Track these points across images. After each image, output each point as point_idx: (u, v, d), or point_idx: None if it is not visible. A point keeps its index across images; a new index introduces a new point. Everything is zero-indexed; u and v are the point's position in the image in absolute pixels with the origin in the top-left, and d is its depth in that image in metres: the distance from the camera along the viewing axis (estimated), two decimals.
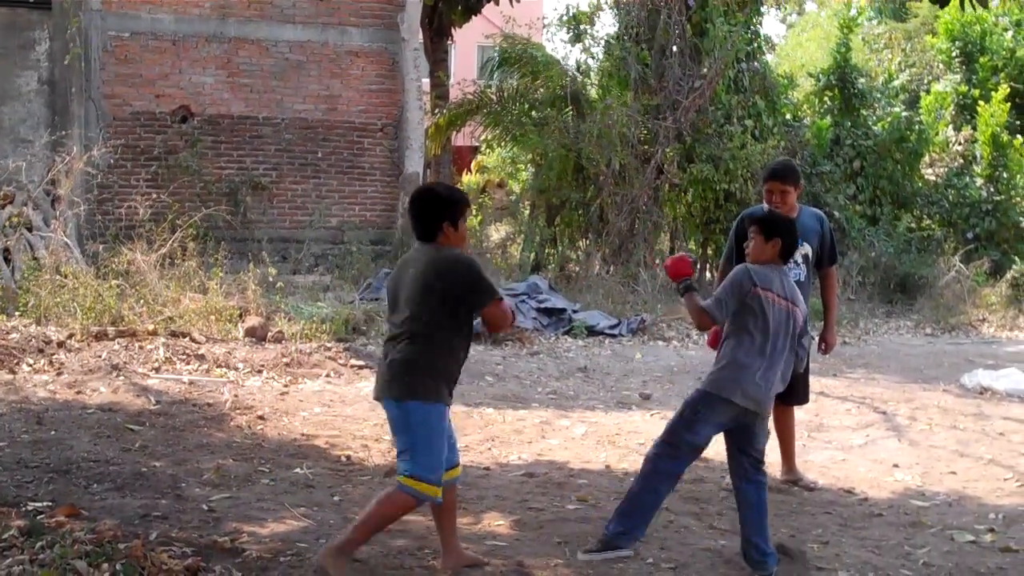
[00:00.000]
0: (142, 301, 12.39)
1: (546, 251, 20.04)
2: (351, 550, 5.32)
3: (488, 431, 9.34)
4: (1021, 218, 22.19)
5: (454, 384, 5.45)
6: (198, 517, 6.24)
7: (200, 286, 13.10)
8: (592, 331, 14.80)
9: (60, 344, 11.10)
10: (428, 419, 5.27)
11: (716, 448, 8.87)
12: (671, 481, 6.02)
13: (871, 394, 11.76)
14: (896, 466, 8.59)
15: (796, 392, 7.81)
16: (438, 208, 5.44)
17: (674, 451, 5.93)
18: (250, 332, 12.20)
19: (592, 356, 13.51)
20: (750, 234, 6.08)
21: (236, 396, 9.92)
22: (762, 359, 5.79)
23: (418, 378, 5.28)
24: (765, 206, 7.69)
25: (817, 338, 8.17)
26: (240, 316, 12.64)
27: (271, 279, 13.67)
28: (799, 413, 10.61)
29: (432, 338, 5.32)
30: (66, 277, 12.64)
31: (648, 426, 9.77)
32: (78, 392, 9.60)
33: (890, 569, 5.99)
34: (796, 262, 7.56)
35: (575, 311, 15.48)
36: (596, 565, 5.76)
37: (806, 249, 7.66)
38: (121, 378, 10.21)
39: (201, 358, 11.16)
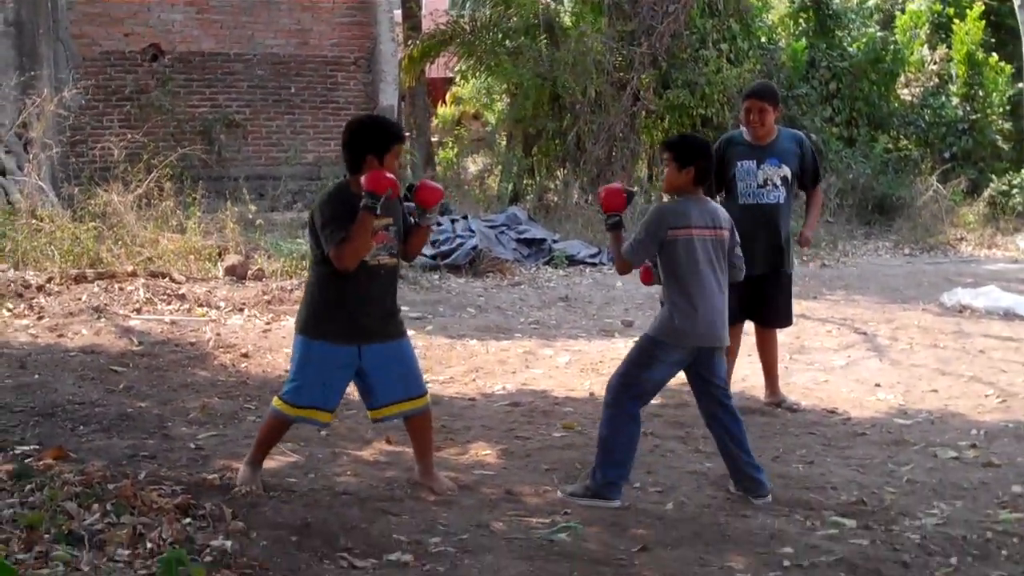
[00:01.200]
0: (120, 243, 12.31)
1: (524, 182, 20.01)
2: (255, 463, 5.68)
3: (472, 362, 9.36)
4: (997, 136, 22.23)
5: (357, 321, 5.45)
6: (186, 456, 6.24)
7: (178, 226, 13.03)
8: (572, 260, 14.82)
9: (39, 288, 11.03)
10: (302, 352, 5.53)
11: None
12: (637, 421, 5.84)
13: (851, 315, 11.82)
14: (878, 385, 8.66)
15: (778, 315, 7.85)
16: (364, 139, 5.42)
17: (634, 392, 5.78)
18: (230, 270, 12.16)
19: (573, 285, 13.53)
20: (663, 161, 5.87)
21: (218, 335, 9.90)
22: (702, 297, 5.64)
23: (301, 311, 5.60)
24: (743, 128, 7.67)
25: (798, 235, 8.02)
26: (219, 255, 12.59)
27: (249, 216, 13.59)
28: (781, 336, 10.70)
29: (315, 272, 5.57)
30: (42, 221, 12.55)
31: None
32: (60, 335, 9.56)
33: (875, 487, 6.05)
34: (775, 184, 7.55)
35: (555, 241, 15.48)
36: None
37: (785, 171, 7.60)
38: (102, 320, 10.16)
39: (182, 298, 11.12)
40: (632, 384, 5.78)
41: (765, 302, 7.73)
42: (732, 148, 7.67)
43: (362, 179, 5.22)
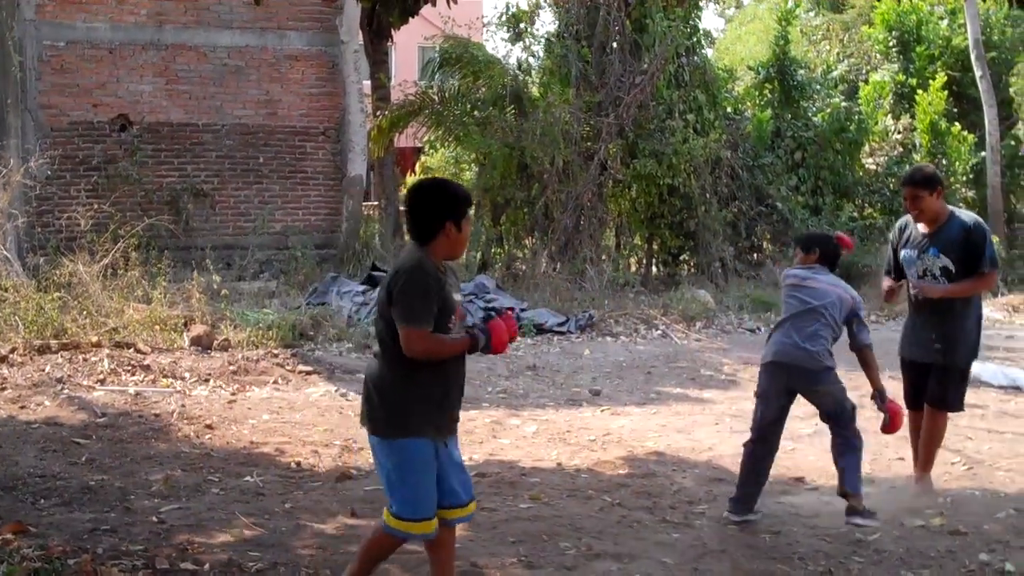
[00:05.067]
0: (85, 313, 12.23)
1: (492, 250, 20.03)
2: None
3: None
4: (961, 204, 22.42)
5: (445, 411, 4.83)
6: (148, 529, 6.17)
7: (144, 296, 12.96)
8: (541, 329, 14.81)
9: (2, 359, 10.94)
10: (402, 456, 4.72)
11: (668, 441, 8.92)
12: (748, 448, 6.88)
13: None
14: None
15: (935, 400, 7.54)
16: (442, 204, 4.79)
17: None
18: (196, 341, 12.09)
19: (541, 354, 13.51)
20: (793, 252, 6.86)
21: (183, 406, 9.82)
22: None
23: (385, 408, 4.75)
24: (909, 216, 7.47)
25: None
26: (185, 325, 12.52)
27: (215, 287, 13.55)
28: (747, 404, 10.70)
29: (395, 360, 4.71)
30: (7, 291, 12.46)
31: (599, 422, 9.80)
32: (22, 407, 9.47)
33: (842, 556, 6.03)
34: (934, 275, 7.29)
35: (523, 310, 15.47)
36: (546, 561, 5.75)
37: (944, 262, 7.25)
38: (66, 391, 10.07)
39: (147, 368, 11.04)
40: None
41: (932, 387, 7.50)
42: (903, 234, 7.56)
43: (492, 337, 4.75)
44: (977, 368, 11.18)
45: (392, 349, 4.68)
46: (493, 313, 4.94)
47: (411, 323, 4.59)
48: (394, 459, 4.72)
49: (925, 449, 7.55)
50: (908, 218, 7.53)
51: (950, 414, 7.55)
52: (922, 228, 7.33)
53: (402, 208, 23.16)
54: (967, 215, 7.47)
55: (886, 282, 7.72)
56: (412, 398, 4.70)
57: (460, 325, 4.91)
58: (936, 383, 7.39)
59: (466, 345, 4.75)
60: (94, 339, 11.66)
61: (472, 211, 5.08)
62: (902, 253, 7.46)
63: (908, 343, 7.55)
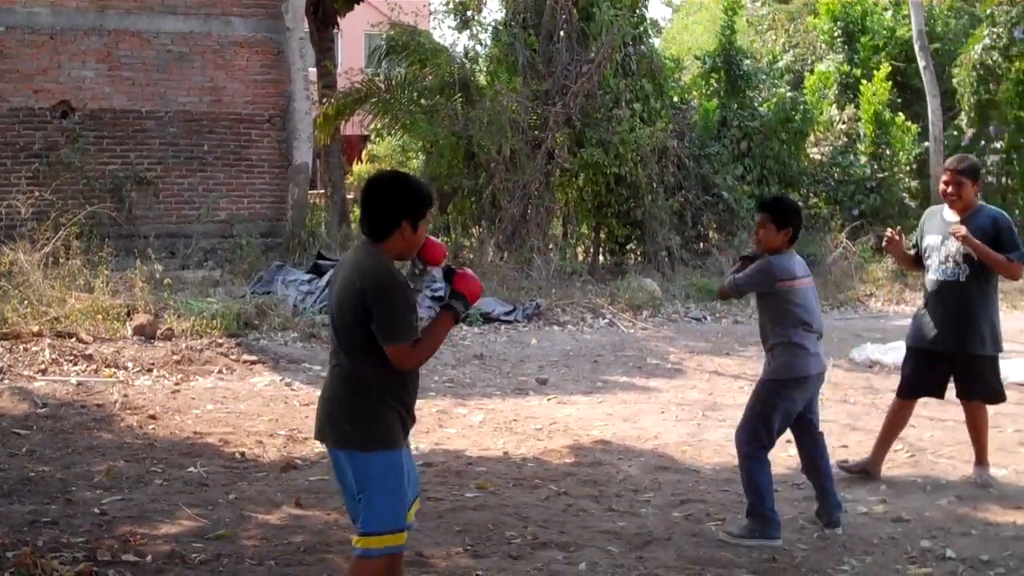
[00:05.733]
0: (26, 302, 12.06)
1: (440, 238, 19.98)
2: None
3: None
4: (904, 194, 22.72)
5: (410, 413, 4.58)
6: (90, 521, 6.10)
7: (86, 285, 12.80)
8: (487, 318, 14.79)
9: None
10: (383, 468, 4.43)
11: (614, 430, 8.95)
12: (767, 464, 6.34)
13: None
14: (789, 442, 8.67)
15: (971, 392, 7.47)
16: (401, 201, 4.51)
17: (763, 442, 6.33)
18: (139, 330, 11.95)
19: (488, 343, 13.51)
20: (758, 221, 6.43)
21: (126, 396, 9.72)
22: (810, 335, 6.31)
23: (352, 424, 4.44)
24: (935, 208, 7.53)
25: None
26: (128, 314, 12.38)
27: (159, 275, 13.41)
28: (693, 392, 10.77)
29: (361, 367, 4.44)
30: None
31: (545, 410, 9.80)
32: None
33: (786, 543, 6.07)
34: (956, 261, 7.23)
35: None
36: (491, 550, 5.74)
37: (968, 249, 7.17)
38: (6, 382, 9.94)
39: (89, 358, 10.91)
40: (759, 434, 6.29)
41: (957, 380, 7.44)
42: (930, 221, 7.58)
43: (421, 252, 4.59)
44: None
45: (365, 360, 4.40)
46: (452, 268, 4.66)
47: (400, 339, 4.35)
48: (372, 472, 4.41)
49: (975, 443, 7.49)
50: (933, 208, 7.65)
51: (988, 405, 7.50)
52: (951, 215, 7.33)
53: (351, 197, 22.96)
54: (994, 208, 7.53)
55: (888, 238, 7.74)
56: (387, 407, 4.44)
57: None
58: (965, 376, 7.35)
59: (451, 324, 4.58)
60: (35, 329, 11.51)
61: (431, 211, 4.77)
62: (926, 239, 7.50)
63: (926, 333, 7.42)
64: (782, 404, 6.26)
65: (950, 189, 7.28)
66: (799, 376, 6.25)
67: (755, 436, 6.28)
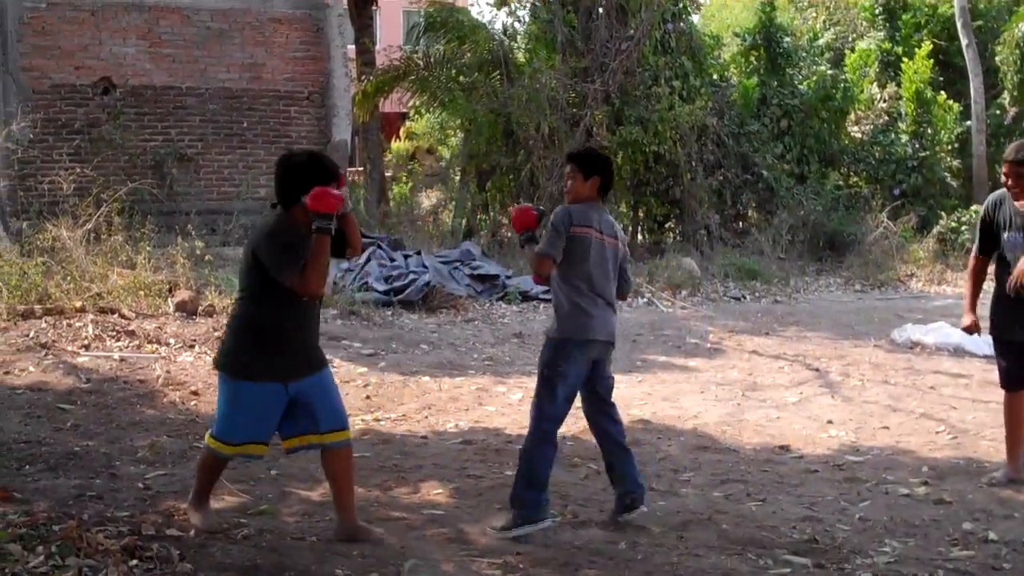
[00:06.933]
0: (69, 278, 12.15)
1: (478, 217, 20.01)
2: (201, 500, 5.63)
3: (424, 399, 9.31)
4: (946, 173, 22.49)
5: (287, 358, 5.35)
6: (134, 496, 6.15)
7: (128, 261, 12.88)
8: (526, 296, 14.80)
9: None
10: (230, 392, 5.44)
11: (653, 409, 8.94)
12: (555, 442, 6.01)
13: (803, 351, 11.88)
14: (830, 422, 8.69)
15: None
16: (297, 176, 5.29)
17: (552, 412, 5.94)
18: (180, 306, 12.03)
19: (527, 321, 13.51)
20: (567, 172, 6.11)
21: (168, 372, 9.79)
22: (593, 294, 5.90)
23: (225, 348, 5.56)
24: (1001, 192, 7.00)
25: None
26: (170, 290, 12.46)
27: (200, 252, 13.47)
28: (733, 372, 10.74)
29: (245, 307, 5.46)
30: None
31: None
32: (6, 372, 9.41)
33: (827, 525, 6.05)
34: (1019, 228, 6.84)
35: (508, 277, 15.46)
36: (533, 537, 5.75)
37: None
38: (50, 357, 10.02)
39: (131, 334, 10.99)
40: (545, 406, 5.92)
41: None
42: (998, 211, 7.02)
43: (307, 200, 5.15)
44: (961, 338, 11.22)
45: (249, 303, 5.42)
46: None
47: (286, 270, 5.18)
48: (223, 392, 5.53)
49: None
50: (1001, 194, 7.07)
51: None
52: (1020, 206, 6.88)
53: (389, 175, 23.00)
54: None
55: (973, 261, 7.23)
56: (252, 343, 5.39)
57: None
58: None
59: (324, 242, 5.20)
60: (78, 304, 11.60)
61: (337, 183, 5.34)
62: (1006, 236, 6.93)
63: (1016, 325, 6.90)
64: (564, 367, 5.90)
65: (1010, 182, 6.85)
66: (582, 339, 5.90)
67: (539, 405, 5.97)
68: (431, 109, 21.97)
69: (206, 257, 13.46)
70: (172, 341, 10.92)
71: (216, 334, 11.11)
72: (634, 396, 9.54)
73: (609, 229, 6.00)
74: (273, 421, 5.46)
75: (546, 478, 5.88)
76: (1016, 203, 6.88)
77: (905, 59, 23.05)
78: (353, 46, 21.43)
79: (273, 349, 5.34)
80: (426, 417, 8.69)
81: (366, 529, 5.56)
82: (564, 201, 6.15)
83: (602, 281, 5.94)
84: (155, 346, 10.73)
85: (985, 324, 7.19)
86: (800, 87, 21.98)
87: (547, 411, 5.90)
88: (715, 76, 21.93)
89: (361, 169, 23.56)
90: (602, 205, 6.14)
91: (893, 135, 22.57)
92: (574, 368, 5.89)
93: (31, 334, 10.68)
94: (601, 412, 6.16)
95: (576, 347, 5.87)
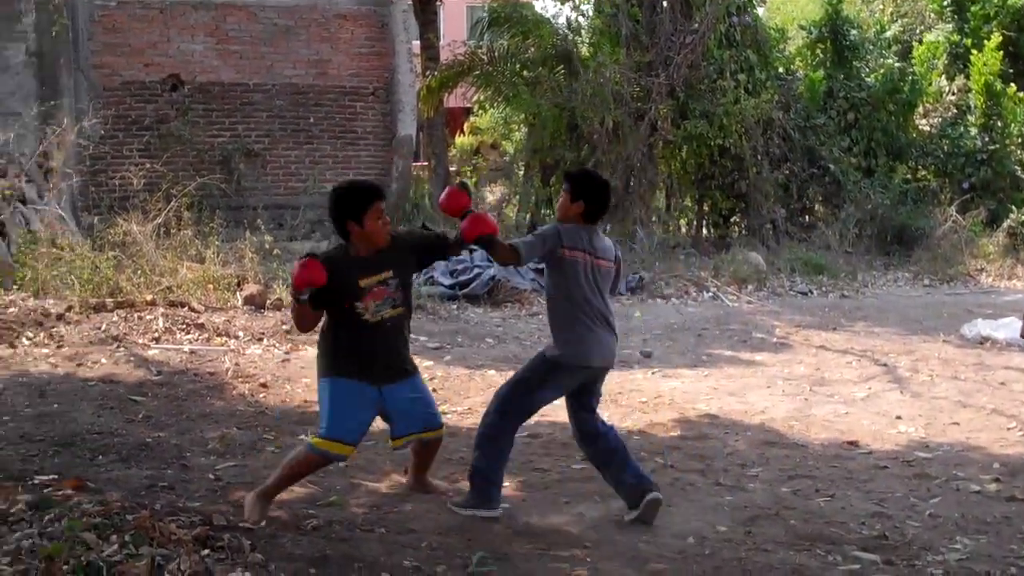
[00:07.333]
0: (139, 272, 12.33)
1: (542, 211, 20.00)
2: (270, 498, 5.66)
3: (490, 393, 9.22)
4: (1016, 167, 22.15)
5: (369, 369, 5.60)
6: (205, 486, 6.23)
7: (197, 255, 13.05)
8: None
9: (59, 317, 11.06)
10: (329, 391, 5.62)
11: (720, 404, 8.90)
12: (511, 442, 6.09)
13: (872, 346, 11.76)
14: (899, 418, 8.60)
15: None
16: (337, 208, 5.69)
17: (513, 417, 6.03)
18: (249, 300, 12.17)
19: None
20: (563, 189, 6.08)
21: (237, 364, 9.89)
22: (592, 319, 5.88)
23: (319, 357, 5.80)
24: None
25: None
26: (238, 284, 12.60)
27: (267, 246, 13.61)
28: (800, 367, 10.66)
29: (325, 321, 5.77)
30: (62, 249, 12.59)
31: (650, 384, 9.78)
32: (79, 364, 9.57)
33: (897, 521, 6.00)
34: None
35: None
36: (601, 531, 5.75)
37: None
38: (121, 349, 10.17)
39: (201, 327, 11.13)
40: (510, 409, 5.99)
41: None
42: None
43: (442, 203, 5.80)
44: None
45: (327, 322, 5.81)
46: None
47: (294, 296, 5.66)
48: (323, 394, 5.69)
49: None
50: None
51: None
52: None
53: (454, 170, 23.13)
54: None
55: None
56: (336, 351, 5.68)
57: (383, 302, 5.61)
58: None
59: (294, 306, 5.72)
60: (149, 298, 11.77)
61: (379, 203, 5.67)
62: None
63: None
64: (547, 386, 5.95)
65: None
66: (576, 365, 5.91)
67: (506, 400, 6.01)
68: (495, 104, 22.00)
69: (274, 251, 13.61)
70: (241, 334, 11.05)
71: (284, 327, 11.23)
72: (700, 391, 9.51)
73: (604, 252, 5.98)
74: (366, 424, 5.72)
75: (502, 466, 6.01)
76: None
77: (974, 51, 22.71)
78: (418, 41, 21.49)
79: (357, 359, 5.61)
80: None
81: (438, 486, 6.25)
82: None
83: (598, 303, 5.93)
84: (224, 339, 10.86)
85: None
86: (867, 80, 21.76)
87: (513, 404, 6.00)
88: (781, 69, 21.77)
89: (426, 164, 23.62)
90: (595, 229, 6.02)
91: (962, 128, 22.27)
92: (555, 391, 6.00)
93: (103, 327, 10.85)
94: (586, 420, 6.16)
95: (567, 372, 5.91)
